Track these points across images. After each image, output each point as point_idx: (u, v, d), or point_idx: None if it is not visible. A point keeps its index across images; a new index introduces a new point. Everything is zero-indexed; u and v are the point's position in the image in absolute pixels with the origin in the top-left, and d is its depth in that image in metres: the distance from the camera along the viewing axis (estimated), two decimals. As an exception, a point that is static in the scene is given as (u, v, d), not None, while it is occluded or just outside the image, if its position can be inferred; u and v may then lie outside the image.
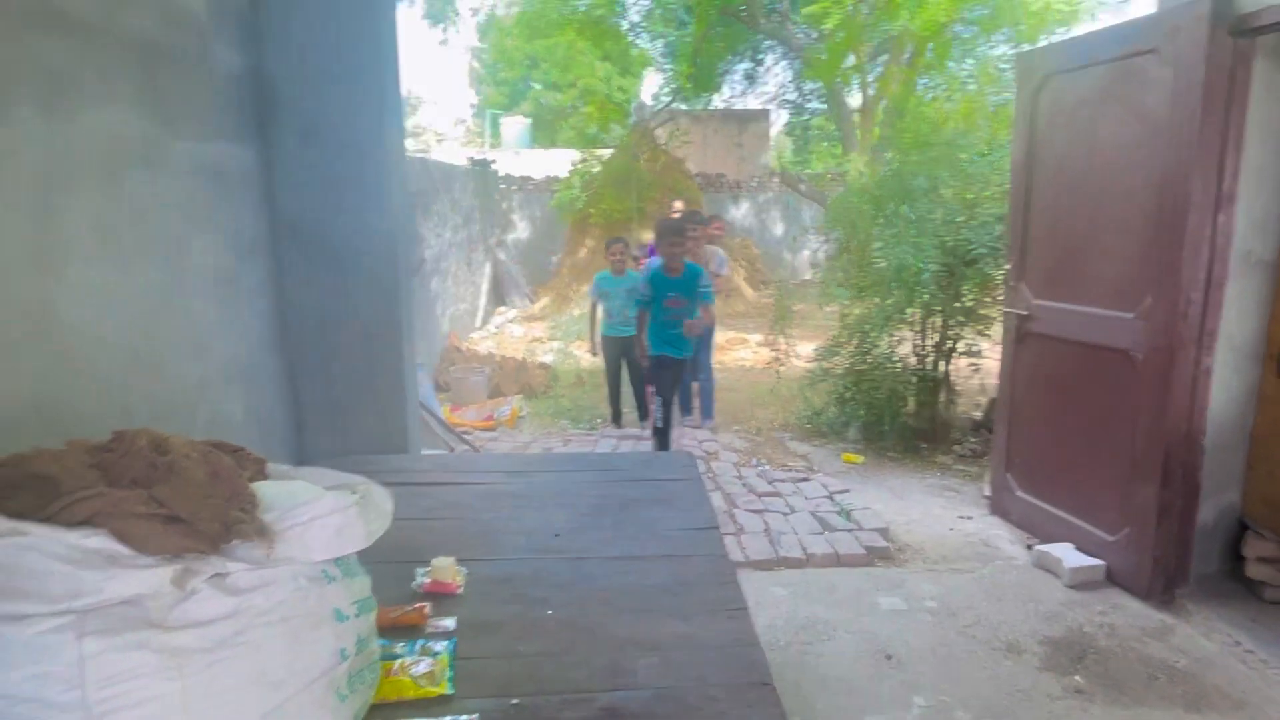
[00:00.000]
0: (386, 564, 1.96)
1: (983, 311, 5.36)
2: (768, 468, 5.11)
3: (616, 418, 6.24)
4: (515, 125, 20.55)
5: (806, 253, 14.55)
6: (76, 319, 1.78)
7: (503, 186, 14.10)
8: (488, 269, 11.98)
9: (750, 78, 17.40)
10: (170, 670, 1.04)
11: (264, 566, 1.15)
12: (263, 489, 1.24)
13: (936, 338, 5.51)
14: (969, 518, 4.29)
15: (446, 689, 1.50)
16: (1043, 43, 10.64)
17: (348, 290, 2.84)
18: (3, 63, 1.57)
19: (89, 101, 1.82)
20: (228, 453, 1.30)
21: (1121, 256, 3.37)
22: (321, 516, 1.21)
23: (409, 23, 18.60)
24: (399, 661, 1.54)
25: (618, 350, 6.14)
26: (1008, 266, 4.10)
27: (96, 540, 1.03)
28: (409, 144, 3.02)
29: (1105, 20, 14.51)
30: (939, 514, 4.36)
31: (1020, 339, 4.00)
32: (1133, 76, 3.30)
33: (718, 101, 17.46)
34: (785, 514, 4.27)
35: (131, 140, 1.98)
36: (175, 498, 1.07)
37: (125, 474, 1.14)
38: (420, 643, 1.63)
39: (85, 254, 1.81)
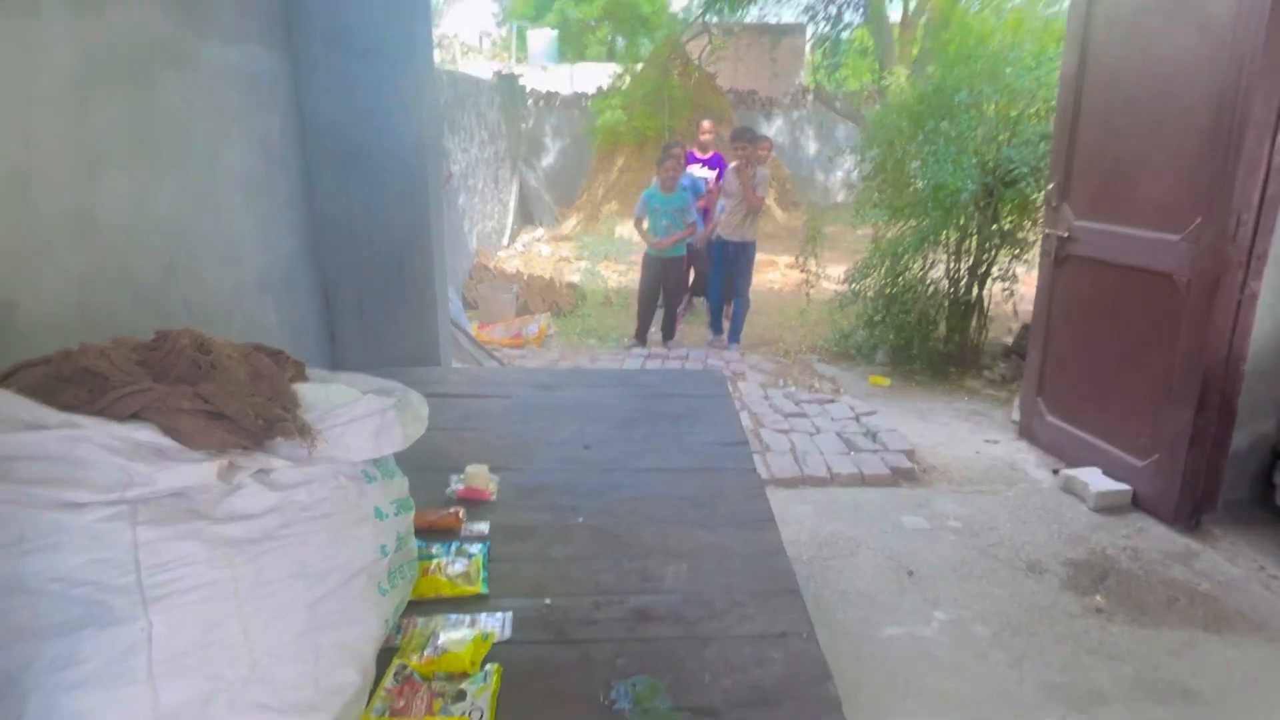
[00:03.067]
0: (421, 470, 2.01)
1: (1020, 235, 5.23)
2: (794, 389, 5.12)
3: (642, 335, 6.25)
4: (542, 38, 19.99)
5: (839, 174, 14.19)
6: (114, 224, 1.79)
7: (530, 102, 13.82)
8: (515, 187, 11.86)
9: (786, -12, 16.70)
10: (219, 560, 1.07)
11: (306, 464, 1.18)
12: (303, 390, 1.26)
13: (970, 261, 5.40)
14: (996, 442, 4.29)
15: (481, 589, 1.55)
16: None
17: (378, 201, 2.82)
18: (29, -46, 1.54)
19: (116, -2, 1.79)
20: (267, 354, 1.32)
21: (1173, 177, 3.25)
22: (360, 418, 1.23)
23: (433, -72, 17.96)
24: (435, 561, 1.60)
25: (659, 270, 6.08)
26: (1050, 186, 3.97)
27: (146, 433, 1.05)
28: (435, 55, 2.94)
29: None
30: (965, 437, 4.36)
31: (1059, 262, 3.91)
32: (1198, -17, 3.11)
33: (751, 14, 16.81)
34: (811, 434, 4.30)
35: (160, 40, 1.95)
36: (219, 394, 1.09)
37: (170, 371, 1.16)
38: (455, 545, 1.68)
39: (120, 158, 1.80)
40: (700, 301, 7.04)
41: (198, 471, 1.07)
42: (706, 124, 7.44)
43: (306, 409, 1.21)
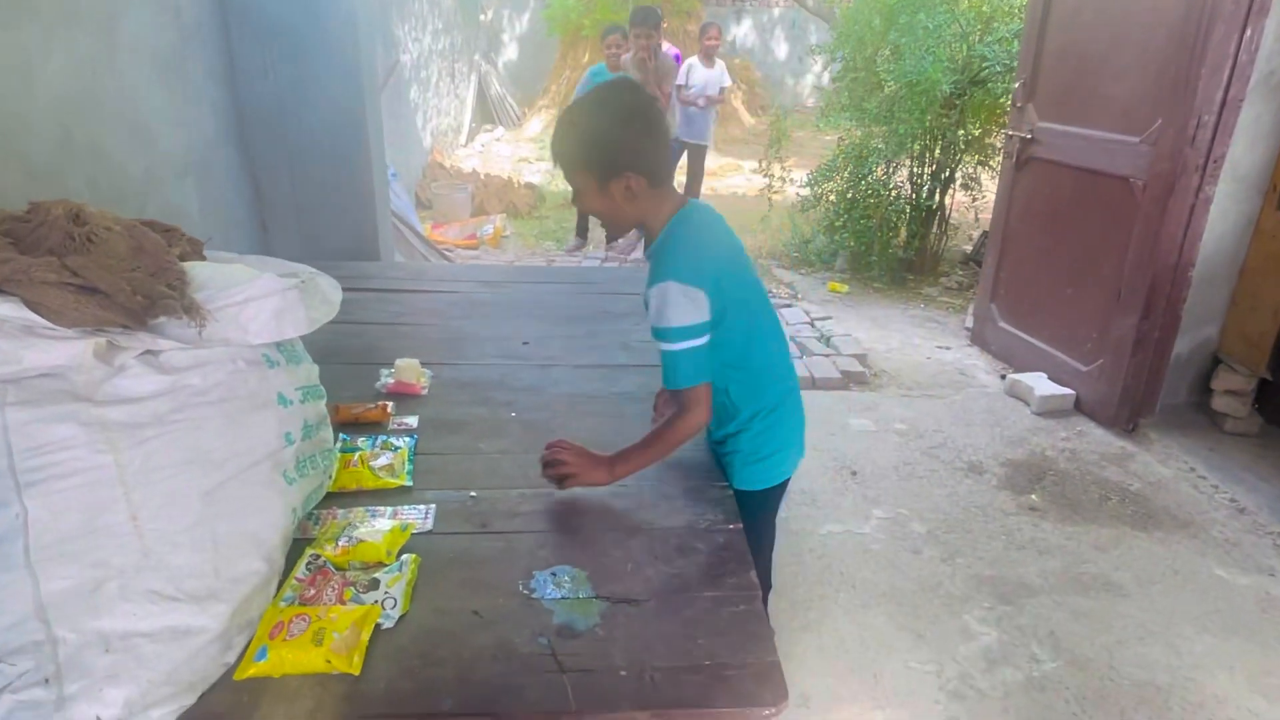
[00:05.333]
0: (352, 365, 1.95)
1: (987, 141, 5.14)
2: (752, 294, 5.07)
3: (583, 233, 6.11)
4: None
5: (809, 77, 13.80)
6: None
7: (489, -9, 13.08)
8: (473, 82, 11.36)
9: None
10: (101, 444, 1.01)
11: (197, 346, 1.10)
12: (195, 268, 1.17)
13: (934, 166, 5.31)
14: (948, 348, 4.31)
15: (405, 481, 1.51)
16: None
17: (309, 83, 2.64)
18: None
19: None
20: (159, 231, 1.22)
21: (1138, 76, 3.16)
22: (258, 298, 1.15)
23: None
24: (358, 454, 1.55)
25: None
26: (1016, 85, 3.86)
27: (7, 308, 0.96)
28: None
29: None
30: (918, 343, 4.37)
31: (1021, 164, 3.84)
32: None
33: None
34: (765, 338, 4.27)
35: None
36: (90, 267, 1.00)
37: (40, 244, 1.06)
38: (381, 438, 1.63)
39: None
40: None
41: (70, 350, 0.99)
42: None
43: (198, 288, 1.13)
